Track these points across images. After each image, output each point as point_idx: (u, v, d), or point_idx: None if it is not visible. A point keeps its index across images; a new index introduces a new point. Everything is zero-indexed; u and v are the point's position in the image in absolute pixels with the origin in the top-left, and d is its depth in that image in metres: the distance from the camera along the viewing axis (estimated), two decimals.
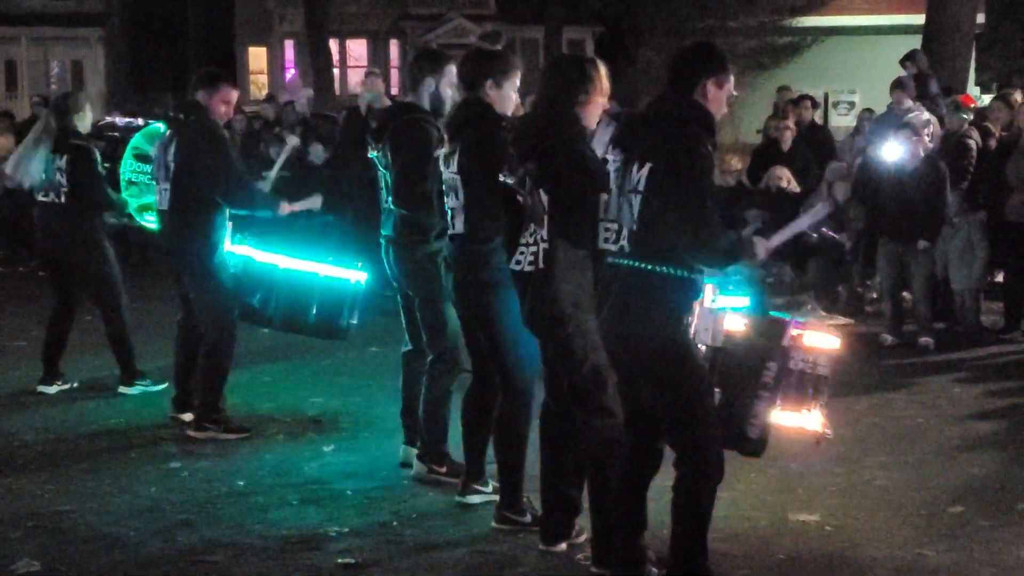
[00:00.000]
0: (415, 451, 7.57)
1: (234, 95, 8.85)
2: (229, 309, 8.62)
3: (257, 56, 44.72)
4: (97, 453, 8.29)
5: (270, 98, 22.08)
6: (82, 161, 9.67)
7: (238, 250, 8.67)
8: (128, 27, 46.53)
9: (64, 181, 9.67)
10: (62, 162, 9.68)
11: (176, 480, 7.71)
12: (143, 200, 9.79)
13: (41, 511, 7.10)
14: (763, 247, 5.64)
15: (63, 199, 9.72)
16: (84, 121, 9.94)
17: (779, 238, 5.84)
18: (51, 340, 10.08)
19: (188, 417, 8.80)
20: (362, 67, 37.52)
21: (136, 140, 10.18)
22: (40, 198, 9.87)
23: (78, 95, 10.33)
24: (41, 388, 9.95)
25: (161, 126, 9.24)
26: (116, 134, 11.14)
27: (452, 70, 7.39)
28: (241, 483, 7.61)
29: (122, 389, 9.88)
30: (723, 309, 5.97)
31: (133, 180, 10.05)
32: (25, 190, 10.15)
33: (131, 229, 10.54)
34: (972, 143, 13.03)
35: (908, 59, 16.28)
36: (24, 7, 42.91)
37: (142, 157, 9.94)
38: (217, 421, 8.62)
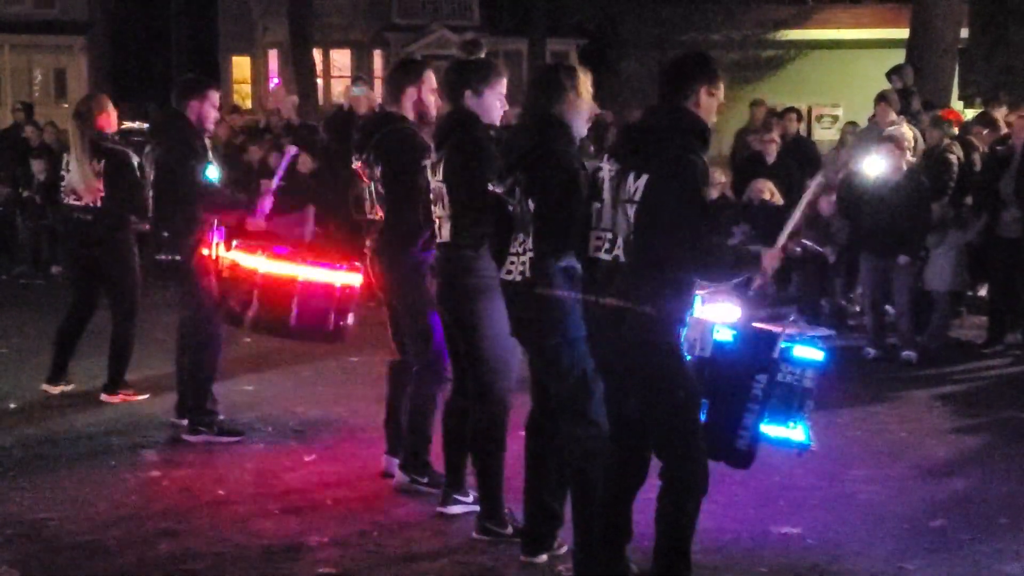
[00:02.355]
0: (397, 461, 7.56)
1: (218, 97, 8.90)
2: (213, 312, 8.60)
3: (240, 65, 44.66)
4: (77, 461, 8.25)
5: (236, 109, 22.14)
6: (119, 165, 9.61)
7: (225, 255, 8.65)
8: (112, 36, 46.47)
9: (100, 186, 9.63)
10: (99, 166, 9.63)
11: (156, 489, 7.68)
12: None
13: (21, 519, 7.06)
14: (770, 256, 5.65)
15: (99, 203, 9.68)
16: (110, 122, 9.87)
17: (781, 239, 5.81)
18: (65, 339, 10.05)
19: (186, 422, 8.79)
20: (346, 77, 37.45)
21: None
22: (71, 201, 9.82)
23: (99, 96, 10.24)
24: (46, 387, 9.95)
25: None
26: (139, 139, 11.12)
27: (431, 76, 7.43)
28: (221, 492, 7.58)
29: (104, 397, 9.83)
30: (712, 320, 5.96)
31: None
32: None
33: None
34: (954, 158, 13.06)
35: (895, 72, 16.29)
36: (7, 15, 42.79)
37: None
38: (210, 424, 8.63)
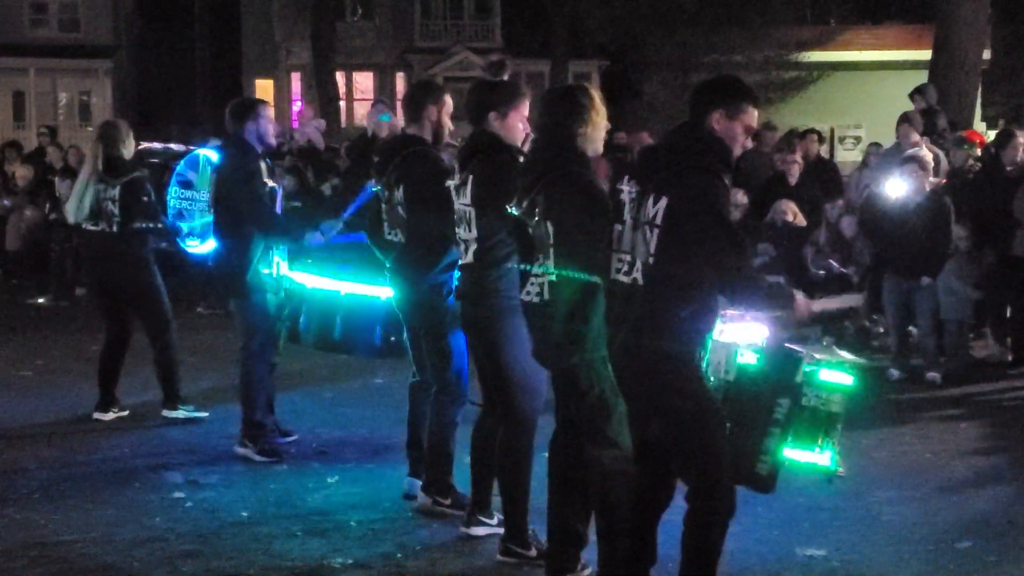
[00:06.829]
0: (419, 483, 7.55)
1: (271, 111, 8.99)
2: (265, 330, 8.68)
3: (264, 89, 44.85)
4: (101, 483, 8.26)
5: None
6: (136, 191, 9.73)
7: (284, 273, 8.71)
8: (136, 59, 46.74)
9: (116, 210, 9.71)
10: (115, 192, 9.71)
11: (180, 510, 7.69)
12: (191, 224, 9.94)
13: (44, 541, 7.08)
14: (806, 306, 5.64)
15: (115, 228, 9.76)
16: (129, 149, 10.00)
17: (824, 305, 5.85)
18: (107, 367, 10.07)
19: None
20: (368, 99, 37.63)
21: (180, 167, 10.27)
22: (88, 227, 9.89)
23: (122, 124, 10.33)
24: (97, 415, 9.95)
25: (202, 153, 9.26)
26: (157, 160, 11.16)
27: (449, 99, 7.46)
28: (245, 514, 7.59)
29: (165, 412, 9.91)
30: (735, 343, 5.93)
31: (178, 207, 10.14)
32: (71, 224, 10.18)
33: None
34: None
35: (918, 92, 16.26)
36: (32, 38, 43.09)
37: (185, 184, 10.03)
38: (255, 439, 8.70)
